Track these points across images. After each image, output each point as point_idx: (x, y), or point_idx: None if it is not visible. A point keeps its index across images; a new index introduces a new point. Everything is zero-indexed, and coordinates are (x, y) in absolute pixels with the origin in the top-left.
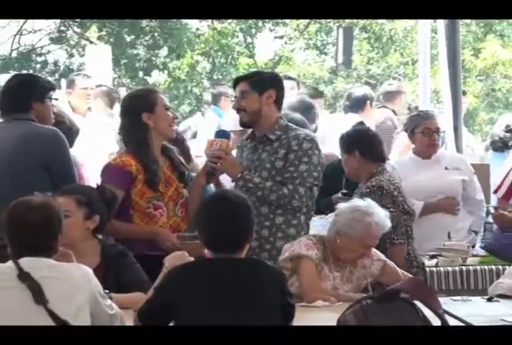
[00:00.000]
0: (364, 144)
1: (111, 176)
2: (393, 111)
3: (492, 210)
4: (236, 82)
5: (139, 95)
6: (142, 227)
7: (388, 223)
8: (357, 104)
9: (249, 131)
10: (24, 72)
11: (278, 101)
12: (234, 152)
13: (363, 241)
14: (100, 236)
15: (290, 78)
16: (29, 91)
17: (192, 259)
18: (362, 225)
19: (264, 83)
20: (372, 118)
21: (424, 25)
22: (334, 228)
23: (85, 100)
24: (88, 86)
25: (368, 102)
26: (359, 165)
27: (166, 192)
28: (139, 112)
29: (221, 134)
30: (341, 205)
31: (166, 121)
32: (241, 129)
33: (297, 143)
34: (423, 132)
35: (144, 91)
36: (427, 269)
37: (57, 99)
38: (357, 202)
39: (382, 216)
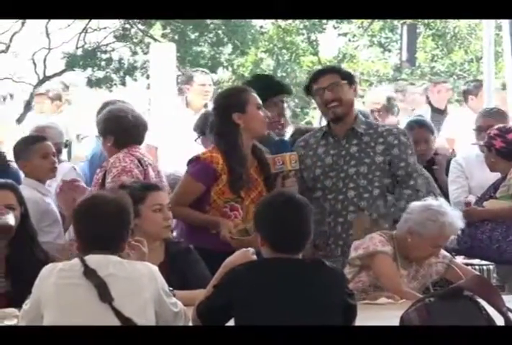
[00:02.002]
0: None
1: (196, 169)
2: None
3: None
4: (322, 74)
5: (231, 95)
6: (208, 216)
7: (460, 224)
8: None
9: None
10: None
11: None
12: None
13: (435, 241)
14: None
15: None
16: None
17: (254, 257)
18: (435, 225)
19: (352, 76)
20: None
21: (488, 22)
22: (406, 226)
23: (203, 96)
24: (206, 82)
25: None
26: None
27: (249, 195)
28: (230, 112)
29: (281, 145)
30: (413, 204)
31: (258, 121)
32: None
33: (394, 138)
34: None
35: (236, 90)
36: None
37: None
38: (429, 200)
39: (454, 216)
